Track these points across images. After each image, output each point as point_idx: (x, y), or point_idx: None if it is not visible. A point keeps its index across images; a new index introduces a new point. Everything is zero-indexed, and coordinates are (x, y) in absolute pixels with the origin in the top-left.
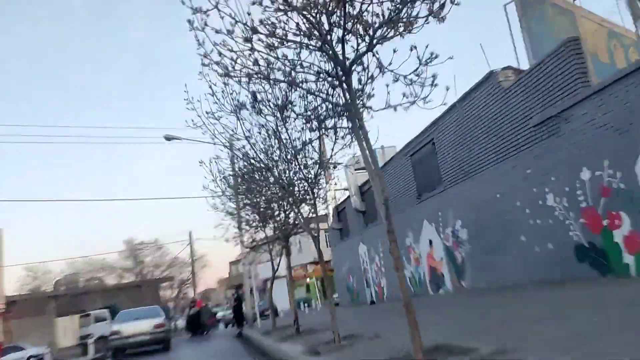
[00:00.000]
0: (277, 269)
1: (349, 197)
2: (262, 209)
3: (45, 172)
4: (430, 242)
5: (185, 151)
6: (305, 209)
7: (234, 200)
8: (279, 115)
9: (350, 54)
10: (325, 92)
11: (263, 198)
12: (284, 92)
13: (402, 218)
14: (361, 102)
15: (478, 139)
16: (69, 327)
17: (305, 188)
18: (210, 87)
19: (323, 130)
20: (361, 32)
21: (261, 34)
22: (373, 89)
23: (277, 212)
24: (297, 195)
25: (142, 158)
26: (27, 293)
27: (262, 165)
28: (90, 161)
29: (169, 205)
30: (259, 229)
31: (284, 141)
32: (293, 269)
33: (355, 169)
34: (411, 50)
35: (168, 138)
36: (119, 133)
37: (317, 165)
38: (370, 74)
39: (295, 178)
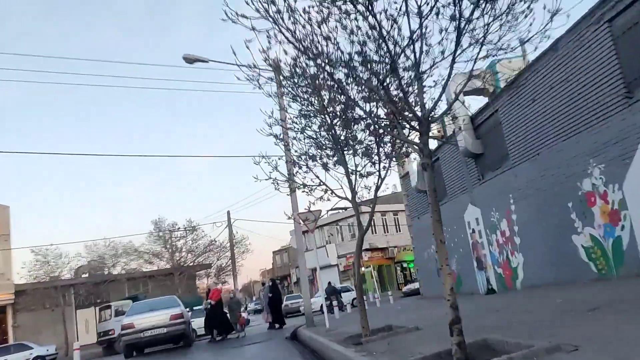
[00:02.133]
0: (363, 240)
1: (447, 139)
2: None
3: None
4: None
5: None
6: None
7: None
8: None
9: None
10: None
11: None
12: None
13: (574, 143)
14: None
15: None
16: (91, 321)
17: None
18: None
19: None
20: None
21: None
22: None
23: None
24: None
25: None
26: (41, 281)
27: None
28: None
29: (205, 182)
30: (333, 154)
31: None
32: (345, 256)
33: (465, 92)
34: None
35: (189, 60)
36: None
37: None
38: None
39: None
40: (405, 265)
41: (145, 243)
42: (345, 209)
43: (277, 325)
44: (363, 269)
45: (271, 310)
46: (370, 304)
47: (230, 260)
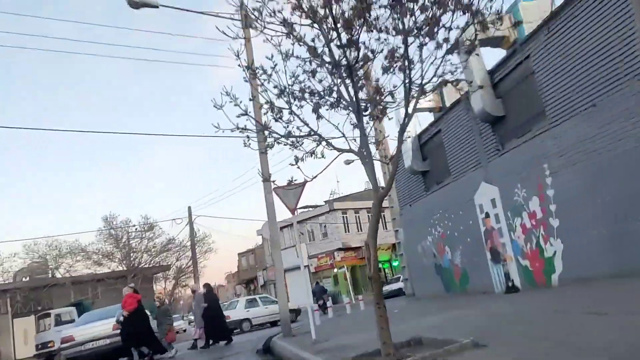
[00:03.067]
0: (381, 208)
1: (446, 111)
2: None
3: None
4: None
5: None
6: None
7: None
8: None
9: None
10: None
11: None
12: None
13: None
14: None
15: None
16: (31, 331)
17: None
18: None
19: None
20: None
21: None
22: None
23: None
24: None
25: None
26: None
27: None
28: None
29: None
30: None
31: None
32: (316, 257)
33: (480, 42)
34: None
35: (134, 3)
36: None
37: None
38: None
39: None
40: (380, 265)
41: (94, 242)
42: (316, 206)
43: (210, 342)
44: (336, 270)
45: (206, 324)
46: (353, 307)
47: (191, 261)
